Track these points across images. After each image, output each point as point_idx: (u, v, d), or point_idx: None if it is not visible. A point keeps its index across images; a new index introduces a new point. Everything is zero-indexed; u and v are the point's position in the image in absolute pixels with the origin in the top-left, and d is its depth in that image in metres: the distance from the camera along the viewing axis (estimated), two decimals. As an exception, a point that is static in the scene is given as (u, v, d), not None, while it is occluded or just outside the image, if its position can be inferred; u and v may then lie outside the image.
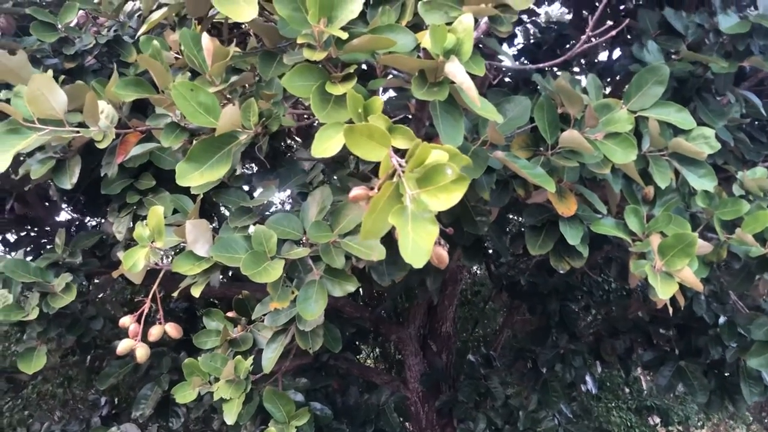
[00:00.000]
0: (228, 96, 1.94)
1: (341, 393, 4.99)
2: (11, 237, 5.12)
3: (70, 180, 2.51)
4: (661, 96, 2.24)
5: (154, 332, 2.22)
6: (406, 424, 5.38)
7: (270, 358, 2.32)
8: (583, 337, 4.86)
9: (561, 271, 2.32)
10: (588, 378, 5.15)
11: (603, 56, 4.85)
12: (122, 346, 2.20)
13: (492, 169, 2.15)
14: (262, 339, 2.54)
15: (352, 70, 1.70)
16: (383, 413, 4.61)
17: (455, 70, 1.56)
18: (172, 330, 2.25)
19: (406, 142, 1.45)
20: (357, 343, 5.67)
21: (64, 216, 4.99)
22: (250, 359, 2.40)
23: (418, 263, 1.30)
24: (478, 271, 7.81)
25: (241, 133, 1.77)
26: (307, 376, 4.81)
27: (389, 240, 1.62)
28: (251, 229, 2.00)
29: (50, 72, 1.95)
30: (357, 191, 1.48)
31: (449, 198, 1.30)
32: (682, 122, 2.22)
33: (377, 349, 7.06)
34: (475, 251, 2.68)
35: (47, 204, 4.53)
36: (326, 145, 1.53)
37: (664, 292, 1.94)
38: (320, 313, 1.88)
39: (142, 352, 2.20)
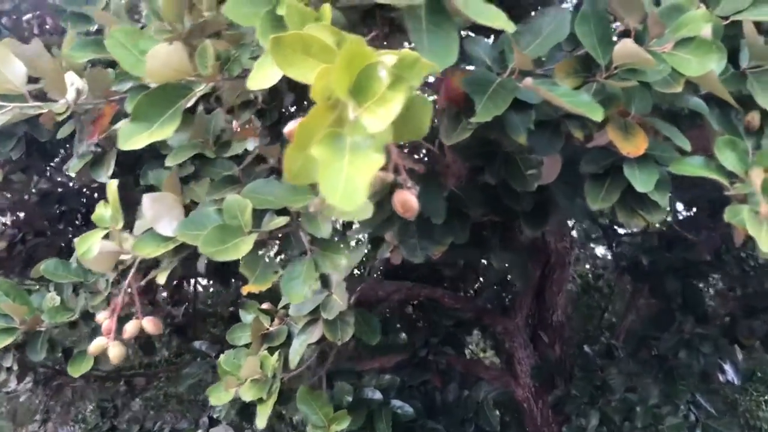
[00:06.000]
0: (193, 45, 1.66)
1: (441, 390, 4.63)
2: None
3: (106, 173, 2.46)
4: (761, -8, 1.68)
5: (129, 328, 1.94)
6: (514, 421, 4.92)
7: (296, 351, 2.04)
8: (715, 320, 4.13)
9: (634, 229, 1.84)
10: (728, 367, 4.38)
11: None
12: (94, 345, 1.94)
13: (528, 106, 1.69)
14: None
15: (308, -14, 1.35)
16: (481, 410, 4.18)
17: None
18: (150, 325, 1.97)
19: (359, 57, 1.08)
20: (459, 336, 5.28)
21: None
22: (276, 354, 2.12)
23: (350, 205, 0.92)
24: (600, 254, 7.11)
25: (196, 84, 1.48)
26: (404, 373, 4.50)
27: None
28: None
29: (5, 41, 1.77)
30: (292, 125, 1.11)
31: (387, 111, 0.92)
32: (792, 18, 1.64)
33: (485, 342, 6.59)
34: (538, 218, 2.21)
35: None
36: (264, 72, 1.19)
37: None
38: (307, 293, 1.55)
39: (115, 352, 1.91)
